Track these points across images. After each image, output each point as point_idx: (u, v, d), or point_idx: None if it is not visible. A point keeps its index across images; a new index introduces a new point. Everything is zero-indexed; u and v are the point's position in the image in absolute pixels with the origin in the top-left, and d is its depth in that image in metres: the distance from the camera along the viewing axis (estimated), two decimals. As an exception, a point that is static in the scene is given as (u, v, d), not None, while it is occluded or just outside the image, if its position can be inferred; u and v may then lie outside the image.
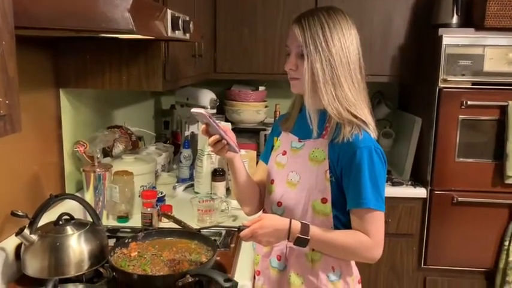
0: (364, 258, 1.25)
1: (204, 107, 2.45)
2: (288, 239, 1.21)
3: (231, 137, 1.29)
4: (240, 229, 1.23)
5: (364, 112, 1.22)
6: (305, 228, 1.21)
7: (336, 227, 1.26)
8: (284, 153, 1.37)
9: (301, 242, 1.20)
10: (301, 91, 1.28)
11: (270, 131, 1.50)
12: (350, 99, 1.21)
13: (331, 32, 1.20)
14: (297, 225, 1.21)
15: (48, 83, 1.63)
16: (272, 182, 1.38)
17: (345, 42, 1.21)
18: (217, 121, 1.26)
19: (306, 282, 1.30)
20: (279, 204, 1.34)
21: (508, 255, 2.26)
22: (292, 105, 1.40)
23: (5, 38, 0.69)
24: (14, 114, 0.72)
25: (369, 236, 1.19)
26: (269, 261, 1.38)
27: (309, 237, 1.20)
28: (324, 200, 1.25)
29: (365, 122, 1.22)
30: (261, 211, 1.47)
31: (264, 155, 1.50)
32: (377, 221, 1.20)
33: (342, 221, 1.25)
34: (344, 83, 1.20)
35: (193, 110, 1.22)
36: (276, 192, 1.36)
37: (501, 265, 2.28)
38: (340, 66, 1.20)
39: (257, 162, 2.21)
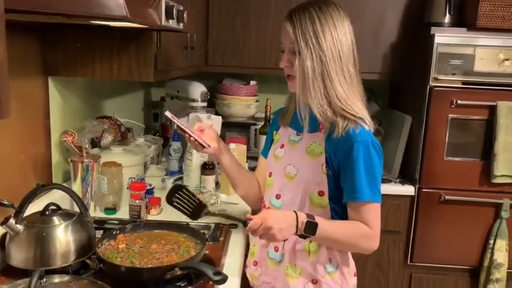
0: (362, 249, 1.28)
1: (194, 100, 2.44)
2: (297, 227, 1.18)
3: (202, 135, 1.34)
4: (246, 222, 1.20)
5: (358, 106, 1.22)
6: (310, 215, 1.21)
7: (334, 219, 1.27)
8: (282, 146, 1.38)
9: (310, 227, 1.18)
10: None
11: (261, 126, 1.51)
12: (341, 95, 1.20)
13: (322, 27, 1.19)
14: (301, 212, 1.21)
15: (36, 70, 1.59)
16: (270, 174, 1.40)
17: (336, 36, 1.20)
18: (181, 120, 1.32)
19: (303, 273, 1.32)
20: (278, 196, 1.35)
21: (492, 253, 2.29)
22: (288, 99, 1.40)
23: (-6, 20, 0.67)
24: (3, 99, 0.70)
25: (369, 227, 1.21)
26: (267, 252, 1.38)
27: (316, 221, 1.19)
28: (320, 193, 1.26)
29: (359, 116, 1.22)
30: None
31: (264, 151, 1.51)
32: (374, 212, 1.22)
33: (339, 213, 1.27)
34: (335, 79, 1.20)
35: (166, 113, 1.31)
36: (274, 185, 1.37)
37: (486, 263, 2.31)
38: (331, 62, 1.19)
39: (247, 157, 2.22)
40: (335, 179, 1.24)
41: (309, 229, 1.19)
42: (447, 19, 2.30)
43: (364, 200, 1.20)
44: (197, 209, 1.33)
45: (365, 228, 1.21)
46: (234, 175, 1.45)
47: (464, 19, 2.29)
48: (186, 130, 1.33)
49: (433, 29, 2.24)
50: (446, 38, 2.21)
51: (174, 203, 1.33)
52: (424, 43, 2.31)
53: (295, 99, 1.36)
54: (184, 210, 1.34)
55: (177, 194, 1.33)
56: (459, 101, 2.22)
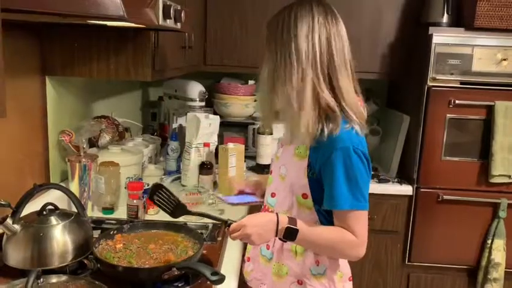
0: (348, 256, 1.27)
1: (192, 99, 2.44)
2: (277, 231, 1.19)
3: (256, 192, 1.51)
4: (227, 223, 1.22)
5: (309, 114, 1.16)
6: (292, 220, 1.20)
7: (321, 222, 1.26)
8: (281, 146, 1.40)
9: (290, 233, 1.18)
10: None
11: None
12: (287, 106, 1.18)
13: (288, 31, 1.17)
14: (284, 217, 1.20)
15: (34, 70, 1.59)
16: (271, 173, 1.42)
17: (297, 41, 1.15)
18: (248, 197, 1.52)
19: (290, 272, 1.32)
20: (273, 195, 1.37)
21: (490, 253, 2.29)
22: None
23: (-10, 19, 0.67)
24: (0, 100, 0.70)
25: (354, 235, 1.19)
26: (259, 249, 1.39)
27: (297, 228, 1.18)
28: (304, 196, 1.26)
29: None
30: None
31: None
32: (358, 219, 1.19)
33: (326, 216, 1.25)
34: (283, 89, 1.18)
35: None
36: (272, 184, 1.39)
37: (483, 263, 2.32)
38: (281, 70, 1.17)
39: (245, 156, 2.21)
40: (318, 183, 1.22)
41: (289, 235, 1.18)
42: (445, 19, 2.30)
43: (344, 208, 1.17)
44: (176, 208, 1.33)
45: (349, 236, 1.18)
46: None
47: (462, 19, 2.29)
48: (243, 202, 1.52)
49: (431, 29, 2.24)
50: (444, 37, 2.21)
51: (156, 201, 1.33)
52: (421, 43, 2.31)
53: None
54: (165, 208, 1.34)
55: (158, 193, 1.32)
56: (457, 101, 2.22)
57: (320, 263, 1.29)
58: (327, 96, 1.16)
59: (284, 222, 1.18)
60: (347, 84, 1.19)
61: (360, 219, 1.19)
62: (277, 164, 1.37)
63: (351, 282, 1.37)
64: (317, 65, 1.16)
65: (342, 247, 1.22)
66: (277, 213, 1.22)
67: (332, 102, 1.17)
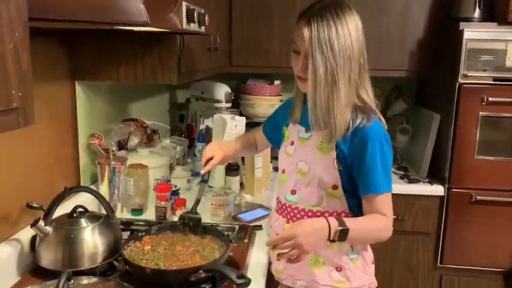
0: (383, 238, 1.31)
1: (218, 101, 2.45)
2: (330, 235, 1.19)
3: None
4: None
5: (347, 113, 1.24)
6: (340, 219, 1.22)
7: (350, 209, 1.32)
8: (292, 143, 1.41)
9: (343, 233, 1.20)
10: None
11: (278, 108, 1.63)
12: (341, 103, 1.22)
13: (338, 36, 1.19)
14: (333, 220, 1.21)
15: (63, 75, 1.63)
16: (283, 171, 1.43)
17: (350, 43, 1.20)
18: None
19: (327, 262, 1.35)
20: (293, 192, 1.39)
21: (527, 255, 2.21)
22: (296, 95, 1.42)
23: (18, 29, 0.68)
24: (27, 107, 0.72)
25: (385, 217, 1.26)
26: None
27: (348, 227, 1.20)
28: (334, 187, 1.31)
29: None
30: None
31: (266, 125, 1.64)
32: (388, 201, 1.28)
33: (355, 204, 1.31)
34: (341, 87, 1.21)
35: None
36: (288, 182, 1.41)
37: (520, 266, 2.24)
38: (340, 71, 1.20)
39: (271, 157, 2.20)
40: (347, 173, 1.28)
41: (341, 237, 1.20)
42: (477, 14, 2.23)
43: (380, 192, 1.25)
44: None
45: (383, 220, 1.26)
46: (245, 152, 1.75)
47: (495, 14, 2.21)
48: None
49: (462, 24, 2.18)
50: (476, 33, 2.14)
51: None
52: (452, 39, 2.25)
53: (302, 95, 1.37)
54: None
55: None
56: (490, 98, 2.15)
57: (354, 248, 1.35)
58: (366, 92, 1.27)
59: (335, 225, 1.19)
60: (368, 82, 1.30)
61: (389, 201, 1.28)
62: (292, 161, 1.38)
63: (374, 265, 1.42)
64: (361, 64, 1.24)
65: (379, 233, 1.29)
66: (326, 217, 1.22)
67: (367, 98, 1.27)
